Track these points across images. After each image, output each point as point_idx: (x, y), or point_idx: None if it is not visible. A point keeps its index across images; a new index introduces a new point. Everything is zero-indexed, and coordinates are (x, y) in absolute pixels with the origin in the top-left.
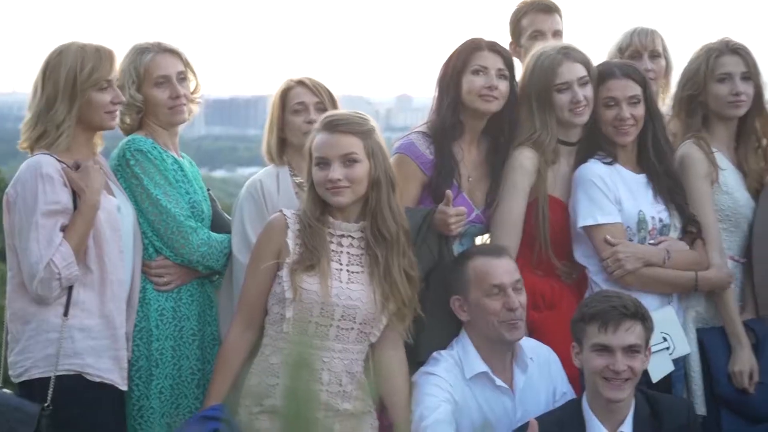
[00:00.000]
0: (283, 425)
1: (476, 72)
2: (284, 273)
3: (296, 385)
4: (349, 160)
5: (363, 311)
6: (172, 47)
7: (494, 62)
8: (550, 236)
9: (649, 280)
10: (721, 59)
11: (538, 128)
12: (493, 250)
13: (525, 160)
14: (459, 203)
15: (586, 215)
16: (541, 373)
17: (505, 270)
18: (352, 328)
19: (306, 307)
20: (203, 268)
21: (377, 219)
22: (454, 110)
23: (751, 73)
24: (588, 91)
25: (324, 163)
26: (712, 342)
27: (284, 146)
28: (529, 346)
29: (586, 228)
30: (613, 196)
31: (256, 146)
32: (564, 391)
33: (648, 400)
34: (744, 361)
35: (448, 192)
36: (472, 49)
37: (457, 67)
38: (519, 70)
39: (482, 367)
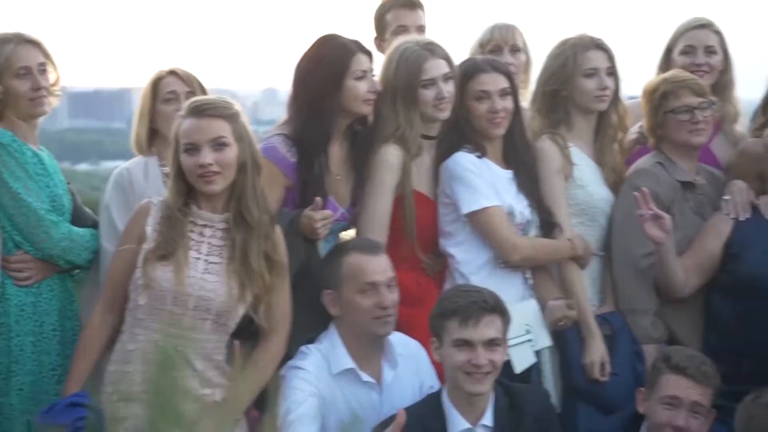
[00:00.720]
0: (147, 415)
1: (359, 78)
2: (140, 260)
3: (162, 378)
4: (218, 144)
5: (217, 303)
6: (32, 38)
7: (368, 64)
8: (416, 230)
9: (535, 244)
10: (587, 54)
11: (402, 124)
12: (370, 247)
13: (390, 156)
14: (326, 206)
15: (470, 202)
16: (409, 368)
17: (379, 268)
18: (207, 319)
19: (158, 295)
20: (64, 262)
21: (241, 203)
22: (335, 117)
23: (613, 68)
24: (450, 87)
25: (193, 148)
26: (568, 334)
27: (154, 137)
28: (398, 340)
29: (471, 214)
30: (489, 184)
31: (121, 139)
32: (431, 385)
33: (507, 391)
34: (594, 352)
35: (318, 198)
36: (348, 53)
37: (338, 73)
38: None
39: (349, 363)
